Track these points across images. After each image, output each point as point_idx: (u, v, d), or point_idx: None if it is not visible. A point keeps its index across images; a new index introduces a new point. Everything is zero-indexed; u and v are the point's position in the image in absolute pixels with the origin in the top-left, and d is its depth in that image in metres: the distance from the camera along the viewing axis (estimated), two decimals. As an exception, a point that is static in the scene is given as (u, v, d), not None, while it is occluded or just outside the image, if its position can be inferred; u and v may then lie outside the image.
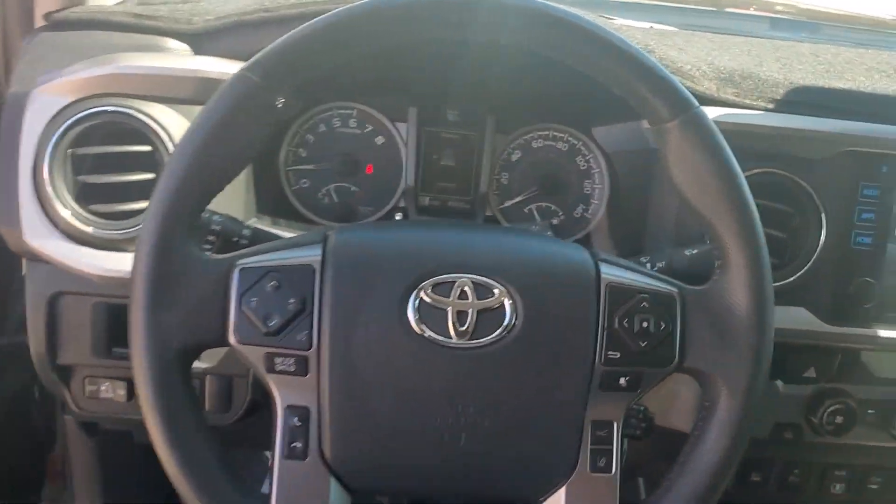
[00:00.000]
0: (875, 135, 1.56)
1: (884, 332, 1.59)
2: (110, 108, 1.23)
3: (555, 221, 1.69)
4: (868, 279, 1.57)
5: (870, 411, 1.55)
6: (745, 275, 1.02)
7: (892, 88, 1.62)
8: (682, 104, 1.01)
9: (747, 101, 1.59)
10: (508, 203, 1.68)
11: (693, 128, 1.01)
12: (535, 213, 1.68)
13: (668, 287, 1.03)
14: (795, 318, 1.46)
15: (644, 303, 1.00)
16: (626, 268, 1.04)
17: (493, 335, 0.95)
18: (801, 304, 1.46)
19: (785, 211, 1.45)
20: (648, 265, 1.26)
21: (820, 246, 1.47)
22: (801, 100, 1.59)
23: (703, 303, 1.02)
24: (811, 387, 1.55)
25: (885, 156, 1.56)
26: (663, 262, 1.25)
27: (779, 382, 1.56)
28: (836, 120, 1.49)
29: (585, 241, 1.64)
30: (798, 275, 1.55)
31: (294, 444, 0.93)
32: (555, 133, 1.66)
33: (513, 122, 1.62)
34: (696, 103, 1.02)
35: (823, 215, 1.46)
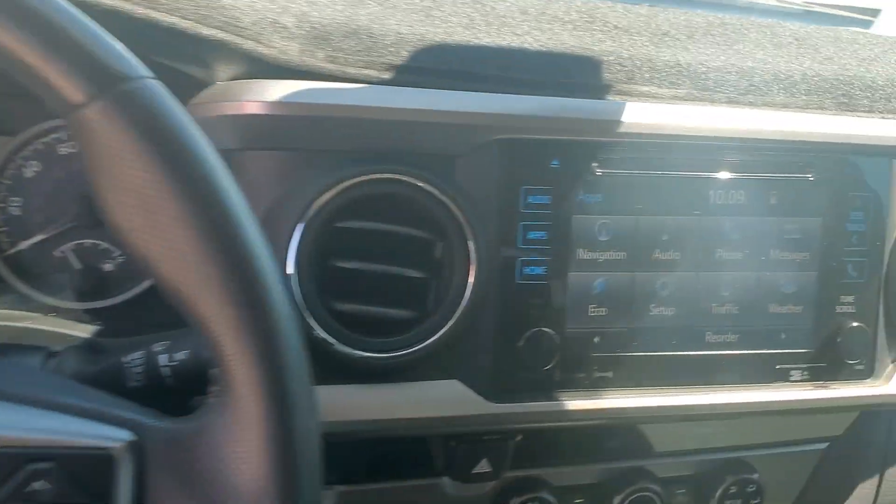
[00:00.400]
0: (542, 112, 1.05)
1: (572, 403, 1.08)
2: None
3: (108, 266, 1.20)
4: (544, 329, 1.06)
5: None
6: (258, 411, 0.60)
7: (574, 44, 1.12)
8: (107, 76, 0.60)
9: (350, 71, 1.01)
10: (25, 244, 1.17)
11: (124, 115, 0.60)
12: (72, 257, 1.19)
13: (111, 434, 0.61)
14: (447, 396, 1.08)
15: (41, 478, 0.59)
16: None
17: None
18: (454, 374, 1.08)
19: (419, 238, 1.05)
20: (161, 357, 0.90)
21: (469, 287, 0.92)
22: (432, 66, 1.04)
23: (174, 460, 0.62)
24: (489, 484, 1.22)
25: (558, 144, 1.05)
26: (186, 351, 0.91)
27: (445, 480, 1.22)
28: (487, 95, 1.07)
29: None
30: (442, 332, 1.02)
31: None
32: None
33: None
34: (143, 73, 0.63)
35: (471, 240, 1.02)
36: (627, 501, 1.26)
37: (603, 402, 1.12)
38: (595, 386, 1.12)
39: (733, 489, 1.31)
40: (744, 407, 1.17)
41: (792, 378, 1.20)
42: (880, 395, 1.23)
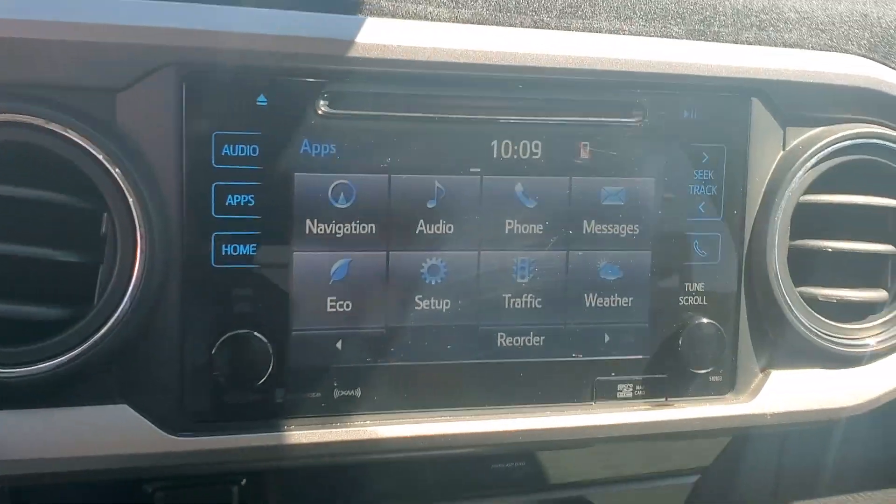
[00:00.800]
0: (243, 27, 0.79)
1: (298, 435, 0.79)
2: None
3: None
4: (253, 333, 0.77)
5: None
6: None
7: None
8: None
9: None
10: None
11: None
12: None
13: None
14: (112, 426, 0.78)
15: None
16: None
17: None
18: (122, 396, 0.79)
19: (74, 207, 0.77)
20: None
21: (137, 273, 0.78)
22: None
23: None
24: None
25: (265, 74, 0.77)
26: None
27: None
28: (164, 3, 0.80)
29: None
30: (100, 335, 0.76)
31: None
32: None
33: None
34: None
35: (137, 208, 0.78)
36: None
37: (348, 433, 0.82)
38: (337, 410, 0.82)
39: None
40: (552, 435, 0.87)
41: (620, 394, 0.89)
42: (744, 416, 0.92)
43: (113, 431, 0.77)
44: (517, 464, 0.98)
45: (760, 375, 0.94)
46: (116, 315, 0.74)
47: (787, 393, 0.93)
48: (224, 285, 0.78)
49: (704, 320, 0.89)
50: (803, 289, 0.93)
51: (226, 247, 0.78)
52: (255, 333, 0.77)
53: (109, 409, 0.77)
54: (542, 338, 0.86)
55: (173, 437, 0.77)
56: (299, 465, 0.86)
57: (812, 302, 0.93)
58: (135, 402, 0.77)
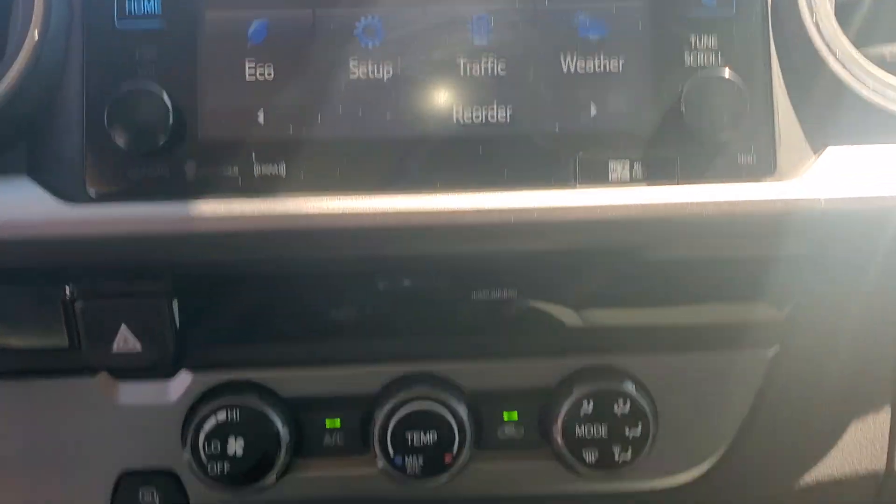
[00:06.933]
0: None
1: (214, 206, 0.69)
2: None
3: None
4: (155, 89, 0.67)
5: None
6: None
7: None
8: None
9: None
10: None
11: None
12: None
13: None
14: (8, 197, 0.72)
15: None
16: None
17: None
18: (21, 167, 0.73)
19: None
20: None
21: (34, 18, 0.71)
22: None
23: None
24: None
25: None
26: None
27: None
28: None
29: None
30: None
31: None
32: None
33: None
34: None
35: None
36: (398, 416, 0.79)
37: (268, 206, 0.69)
38: (257, 189, 0.70)
39: (588, 406, 0.79)
40: (518, 216, 0.69)
41: (613, 175, 0.71)
42: (781, 200, 0.70)
43: (12, 204, 0.69)
44: (505, 292, 0.80)
45: (808, 154, 0.72)
46: (11, 72, 0.68)
47: (845, 175, 0.71)
48: (127, 48, 0.70)
49: (718, 76, 0.70)
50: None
51: (129, 4, 0.70)
52: (153, 91, 0.68)
53: (12, 181, 0.70)
54: (509, 108, 0.71)
55: (70, 205, 0.68)
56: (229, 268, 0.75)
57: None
58: (39, 178, 0.70)
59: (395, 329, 0.82)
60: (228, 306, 0.81)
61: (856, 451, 0.86)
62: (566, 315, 0.82)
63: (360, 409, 0.81)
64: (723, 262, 0.80)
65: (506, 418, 0.83)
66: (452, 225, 0.69)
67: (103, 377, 0.80)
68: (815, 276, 0.81)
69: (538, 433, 0.83)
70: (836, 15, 0.72)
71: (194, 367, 0.80)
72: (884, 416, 0.87)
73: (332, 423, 0.82)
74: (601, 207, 0.69)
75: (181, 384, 0.80)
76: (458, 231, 0.70)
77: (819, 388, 0.84)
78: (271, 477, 0.79)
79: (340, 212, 0.69)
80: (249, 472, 0.78)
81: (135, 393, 0.81)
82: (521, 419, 0.83)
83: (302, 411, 0.81)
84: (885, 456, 0.87)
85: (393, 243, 0.71)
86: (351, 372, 0.81)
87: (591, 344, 0.82)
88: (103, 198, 0.69)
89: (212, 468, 0.78)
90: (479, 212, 0.69)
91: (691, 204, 0.70)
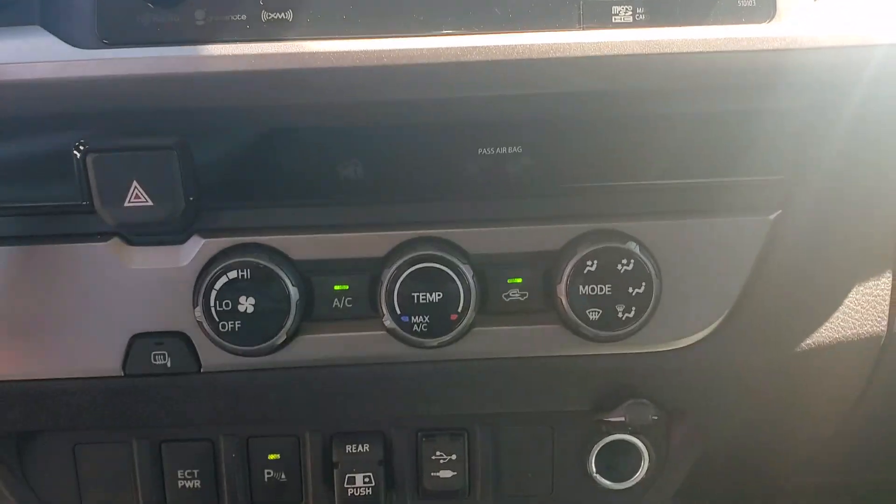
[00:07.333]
0: None
1: (220, 49, 0.69)
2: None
3: None
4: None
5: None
6: None
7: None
8: None
9: None
10: None
11: None
12: None
13: None
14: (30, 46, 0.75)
15: None
16: None
17: None
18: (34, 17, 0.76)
19: None
20: None
21: None
22: None
23: None
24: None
25: None
26: None
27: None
28: None
29: None
30: None
31: None
32: None
33: None
34: None
35: None
36: (405, 276, 0.80)
37: (280, 47, 0.71)
38: (266, 33, 0.71)
39: (592, 265, 0.80)
40: (521, 53, 0.71)
41: (617, 18, 0.72)
42: (778, 39, 0.71)
43: (27, 50, 0.71)
44: (510, 149, 0.81)
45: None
46: None
47: (844, 19, 0.72)
48: None
49: None
50: None
51: None
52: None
53: (25, 30, 0.72)
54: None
55: (84, 50, 0.70)
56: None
57: None
58: (51, 27, 0.72)
59: (402, 194, 0.84)
60: (239, 166, 0.82)
61: (857, 314, 0.87)
62: (570, 179, 0.84)
63: (367, 273, 0.83)
64: (724, 122, 0.81)
65: (510, 282, 0.85)
66: (457, 64, 0.71)
67: (116, 242, 0.82)
68: (815, 137, 0.82)
69: (543, 300, 0.84)
70: None
71: (205, 233, 0.82)
72: (885, 280, 0.88)
73: (341, 286, 0.83)
74: (604, 44, 0.71)
75: (192, 248, 0.82)
76: (463, 71, 0.71)
77: (820, 252, 0.85)
78: (281, 336, 0.80)
79: (346, 51, 0.70)
80: (259, 329, 0.80)
81: (147, 257, 0.82)
82: (525, 283, 0.84)
83: (311, 274, 0.82)
84: (885, 319, 0.88)
85: (398, 86, 0.73)
86: (359, 236, 0.83)
87: (596, 209, 0.83)
88: (115, 44, 0.71)
89: (223, 325, 0.79)
90: (484, 49, 0.71)
91: (692, 41, 0.71)
